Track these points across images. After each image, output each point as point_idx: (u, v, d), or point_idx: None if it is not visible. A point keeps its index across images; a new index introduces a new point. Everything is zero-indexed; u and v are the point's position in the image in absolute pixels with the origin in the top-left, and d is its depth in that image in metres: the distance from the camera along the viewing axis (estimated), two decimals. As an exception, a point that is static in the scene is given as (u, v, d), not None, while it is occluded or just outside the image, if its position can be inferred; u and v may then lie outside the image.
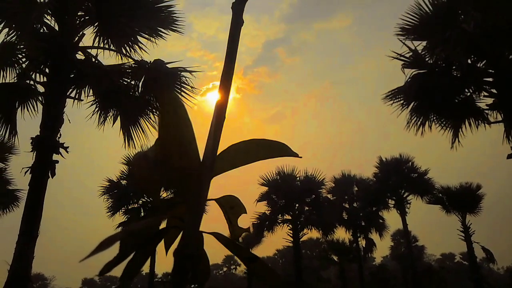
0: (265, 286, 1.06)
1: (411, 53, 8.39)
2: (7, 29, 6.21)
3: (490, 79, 7.98)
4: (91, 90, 7.36)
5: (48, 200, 5.96)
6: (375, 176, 20.86)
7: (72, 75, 6.76)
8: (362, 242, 20.65)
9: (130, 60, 7.31)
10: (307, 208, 19.40)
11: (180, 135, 0.95)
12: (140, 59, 7.29)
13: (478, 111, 8.51)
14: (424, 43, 8.43)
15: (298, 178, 19.56)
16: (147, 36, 7.34)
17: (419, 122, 8.92)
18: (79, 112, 7.29)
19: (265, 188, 19.34)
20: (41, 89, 6.67)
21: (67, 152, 6.30)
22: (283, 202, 19.19)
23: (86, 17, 6.97)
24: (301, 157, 1.13)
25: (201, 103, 7.29)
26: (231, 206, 1.18)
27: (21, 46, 6.47)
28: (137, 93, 7.30)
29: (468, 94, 8.50)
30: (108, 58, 8.01)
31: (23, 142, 6.79)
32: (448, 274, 25.21)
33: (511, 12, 7.24)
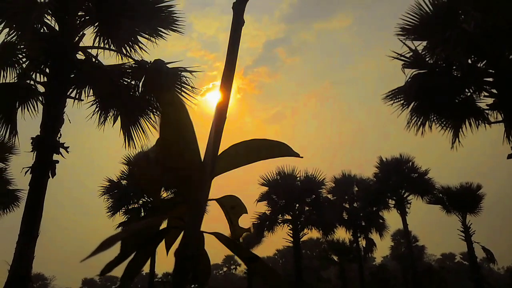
0: (265, 286, 1.06)
1: (411, 53, 8.39)
2: (7, 29, 6.22)
3: (491, 79, 7.98)
4: (91, 90, 7.36)
5: (48, 200, 5.97)
6: (375, 176, 20.86)
7: (73, 75, 6.76)
8: (362, 242, 20.68)
9: (130, 60, 7.32)
10: (307, 208, 19.41)
11: (181, 135, 0.95)
12: (141, 59, 7.30)
13: (478, 111, 8.51)
14: (424, 43, 8.44)
15: (298, 178, 19.57)
16: (147, 36, 7.35)
17: (419, 122, 8.93)
18: (79, 112, 7.30)
19: (265, 188, 19.36)
20: (41, 89, 6.68)
21: (67, 152, 6.31)
22: (283, 202, 19.20)
23: (87, 17, 6.97)
24: (302, 157, 1.13)
25: (201, 103, 7.29)
26: (232, 206, 1.18)
27: (21, 46, 6.48)
28: (137, 93, 7.31)
29: (469, 94, 8.50)
30: (108, 58, 8.01)
31: (23, 142, 6.80)
32: (448, 274, 25.22)
33: (511, 12, 7.23)
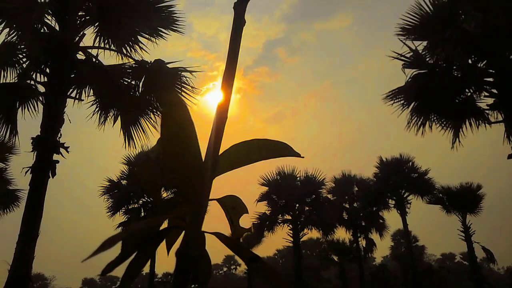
0: (266, 285, 1.06)
1: (411, 53, 8.39)
2: (7, 29, 6.22)
3: (491, 79, 7.98)
4: (91, 90, 7.36)
5: (48, 200, 5.96)
6: (375, 176, 20.86)
7: (73, 75, 6.76)
8: (362, 242, 20.68)
9: (130, 60, 7.32)
10: (307, 208, 19.41)
11: (182, 135, 0.95)
12: (141, 59, 7.30)
13: (478, 111, 8.51)
14: (424, 43, 8.44)
15: (298, 178, 19.57)
16: (147, 36, 7.34)
17: (419, 122, 8.93)
18: (80, 112, 7.30)
19: (265, 188, 19.36)
20: (41, 89, 6.68)
21: (67, 152, 6.30)
22: (283, 202, 19.20)
23: (87, 17, 6.97)
24: (303, 157, 1.13)
25: (201, 103, 7.29)
26: (233, 206, 1.18)
27: (22, 46, 6.48)
28: (137, 93, 7.30)
29: (469, 94, 8.50)
30: (108, 58, 8.02)
31: (23, 142, 6.80)
32: (448, 274, 25.22)
33: (511, 12, 7.23)
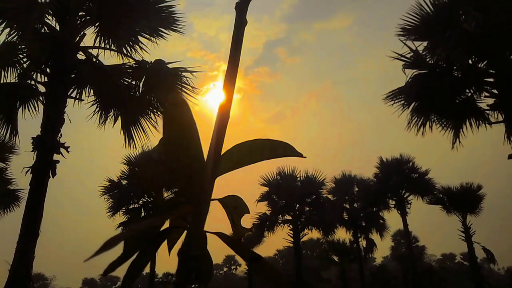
0: (267, 285, 1.06)
1: (411, 54, 8.39)
2: (8, 29, 6.22)
3: (491, 80, 7.98)
4: (91, 90, 7.36)
5: (48, 200, 5.96)
6: (375, 177, 20.85)
7: (73, 75, 6.76)
8: (363, 243, 20.67)
9: (131, 60, 7.32)
10: (307, 208, 19.41)
11: (184, 135, 0.95)
12: (141, 59, 7.30)
13: (479, 111, 8.51)
14: (425, 43, 8.44)
15: (298, 179, 19.57)
16: (147, 36, 7.34)
17: (419, 123, 8.93)
18: (80, 112, 7.30)
19: (265, 188, 19.36)
20: (42, 89, 6.68)
21: (67, 152, 6.30)
22: (283, 202, 19.20)
23: (87, 17, 6.97)
24: (305, 157, 1.13)
25: (202, 103, 7.29)
26: (235, 206, 1.18)
27: (22, 46, 6.48)
28: (137, 93, 7.30)
29: (469, 94, 8.50)
30: (109, 58, 8.02)
31: (24, 142, 6.81)
32: (449, 275, 25.19)
33: (511, 12, 7.23)
